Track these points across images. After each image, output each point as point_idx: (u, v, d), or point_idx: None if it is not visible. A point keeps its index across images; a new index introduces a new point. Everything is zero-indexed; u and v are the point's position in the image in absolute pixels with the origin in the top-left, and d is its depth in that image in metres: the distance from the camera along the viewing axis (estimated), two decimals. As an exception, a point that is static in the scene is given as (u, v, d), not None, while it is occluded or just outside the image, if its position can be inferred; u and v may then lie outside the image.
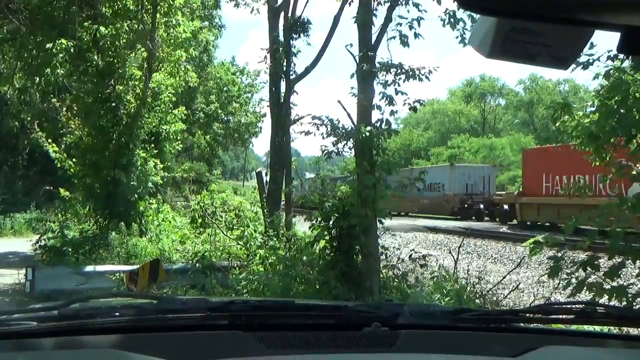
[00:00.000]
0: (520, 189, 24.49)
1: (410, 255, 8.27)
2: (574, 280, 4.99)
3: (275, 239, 9.10)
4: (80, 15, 13.06)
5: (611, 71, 5.30)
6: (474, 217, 27.43)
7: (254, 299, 5.26)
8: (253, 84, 33.86)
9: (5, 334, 1.46)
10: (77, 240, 12.58)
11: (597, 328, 1.93)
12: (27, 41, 13.79)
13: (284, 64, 11.80)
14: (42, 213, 21.01)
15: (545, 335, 1.70)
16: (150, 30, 13.17)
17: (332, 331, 1.56)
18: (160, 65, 14.09)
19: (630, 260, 5.10)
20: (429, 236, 19.64)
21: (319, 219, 7.64)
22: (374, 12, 8.14)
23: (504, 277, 8.79)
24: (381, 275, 7.59)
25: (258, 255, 8.96)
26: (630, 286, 5.27)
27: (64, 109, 15.46)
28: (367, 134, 7.31)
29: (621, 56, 5.10)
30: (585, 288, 4.88)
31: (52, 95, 16.39)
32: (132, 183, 13.07)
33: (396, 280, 7.88)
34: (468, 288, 7.51)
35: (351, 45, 8.10)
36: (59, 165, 14.29)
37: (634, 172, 5.38)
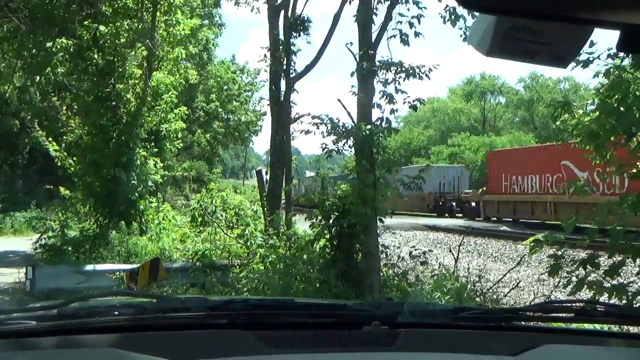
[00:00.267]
0: (484, 188, 26.75)
1: (411, 252, 8.27)
2: (574, 278, 4.99)
3: (275, 237, 9.09)
4: (80, 13, 13.06)
5: (611, 69, 5.29)
6: (447, 214, 29.25)
7: (253, 297, 5.26)
8: (253, 83, 33.83)
9: (4, 333, 1.46)
10: (77, 239, 12.58)
11: (597, 326, 1.93)
12: (27, 40, 13.82)
13: (284, 62, 11.79)
14: (42, 212, 21.03)
15: (546, 334, 1.71)
16: (150, 29, 13.18)
17: (332, 330, 1.56)
18: (160, 63, 14.08)
19: (630, 259, 5.09)
20: (429, 235, 19.65)
21: (319, 218, 7.63)
22: (374, 10, 8.12)
23: (504, 276, 8.79)
24: (381, 274, 7.59)
25: (258, 253, 8.95)
26: (631, 284, 5.27)
27: (64, 107, 15.50)
28: (367, 132, 7.31)
29: (621, 54, 5.10)
30: (585, 286, 4.88)
31: (52, 94, 16.44)
32: (132, 182, 13.06)
33: (396, 278, 7.88)
34: (468, 286, 7.51)
35: (351, 43, 8.09)
36: (59, 164, 14.30)
37: (634, 171, 5.38)
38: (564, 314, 1.84)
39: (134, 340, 1.42)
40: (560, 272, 5.16)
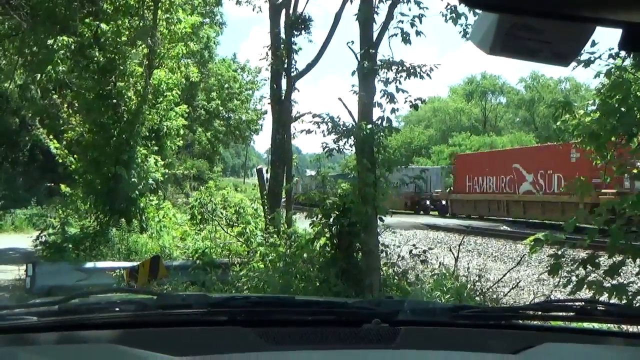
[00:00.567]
0: (451, 188, 29.89)
1: (411, 251, 8.27)
2: (574, 278, 4.99)
3: (275, 236, 9.09)
4: (82, 11, 13.07)
5: (612, 69, 5.29)
6: (422, 212, 30.58)
7: (254, 295, 5.26)
8: (254, 81, 33.84)
9: (5, 329, 1.46)
10: (77, 237, 12.59)
11: (597, 326, 1.93)
12: (28, 37, 13.80)
13: (285, 61, 11.79)
14: (43, 209, 21.01)
15: (546, 333, 1.71)
16: (151, 27, 13.18)
17: (333, 327, 1.56)
18: (161, 61, 14.08)
19: (630, 259, 5.09)
20: (429, 234, 19.65)
21: (320, 216, 7.64)
22: (376, 9, 8.12)
23: (504, 275, 8.79)
24: (381, 273, 7.59)
25: (258, 252, 8.96)
26: (630, 284, 5.28)
27: (65, 105, 15.47)
28: (368, 131, 7.31)
29: (622, 54, 5.10)
30: (585, 286, 4.88)
31: (53, 92, 16.40)
32: (132, 179, 13.07)
33: (396, 277, 7.89)
34: (468, 286, 7.52)
35: (352, 42, 8.09)
36: (59, 162, 14.31)
37: (635, 171, 5.38)
38: (564, 313, 1.84)
39: (135, 337, 1.43)
40: (560, 271, 5.16)
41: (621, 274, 5.10)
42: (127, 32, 13.27)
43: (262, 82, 31.63)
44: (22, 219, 23.33)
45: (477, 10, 1.06)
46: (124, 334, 1.44)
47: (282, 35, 11.89)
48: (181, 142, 16.99)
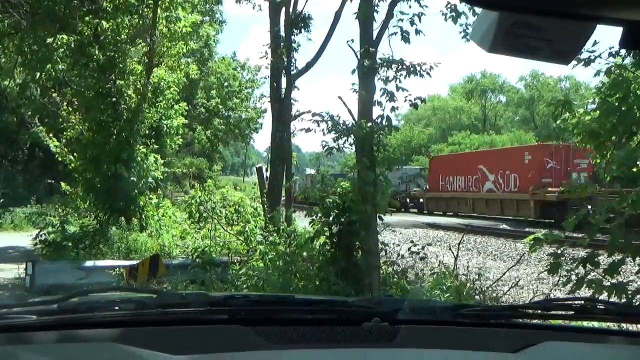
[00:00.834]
0: (427, 187, 31.58)
1: (409, 248, 8.26)
2: (573, 277, 4.98)
3: (275, 234, 9.09)
4: (81, 9, 13.05)
5: (612, 68, 5.28)
6: (402, 210, 31.16)
7: (254, 293, 5.26)
8: (254, 80, 33.83)
9: (4, 328, 1.46)
10: (77, 235, 12.59)
11: (597, 324, 1.93)
12: (27, 35, 13.78)
13: (285, 59, 11.79)
14: (43, 207, 20.98)
15: (545, 331, 1.71)
16: (151, 25, 13.17)
17: (332, 326, 1.56)
18: (161, 59, 14.07)
19: (630, 258, 5.09)
20: (429, 232, 19.66)
21: (319, 215, 7.63)
22: (376, 7, 8.11)
23: (504, 274, 8.79)
24: (381, 272, 7.59)
25: (258, 250, 8.95)
26: (630, 283, 5.27)
27: (65, 103, 15.48)
28: (368, 130, 7.30)
29: (623, 52, 5.09)
30: (585, 285, 4.87)
31: (52, 90, 16.41)
32: (132, 178, 13.07)
33: (396, 276, 7.88)
34: (468, 284, 7.51)
35: (352, 41, 8.07)
36: (59, 160, 14.30)
37: (635, 170, 5.37)
38: (564, 312, 1.84)
39: (135, 335, 1.42)
40: (560, 270, 5.15)
41: (621, 272, 5.09)
42: (127, 30, 13.27)
43: (262, 80, 31.63)
44: (22, 217, 23.27)
45: (477, 9, 1.06)
46: (123, 333, 1.43)
47: (282, 33, 11.89)
48: (181, 140, 16.99)
